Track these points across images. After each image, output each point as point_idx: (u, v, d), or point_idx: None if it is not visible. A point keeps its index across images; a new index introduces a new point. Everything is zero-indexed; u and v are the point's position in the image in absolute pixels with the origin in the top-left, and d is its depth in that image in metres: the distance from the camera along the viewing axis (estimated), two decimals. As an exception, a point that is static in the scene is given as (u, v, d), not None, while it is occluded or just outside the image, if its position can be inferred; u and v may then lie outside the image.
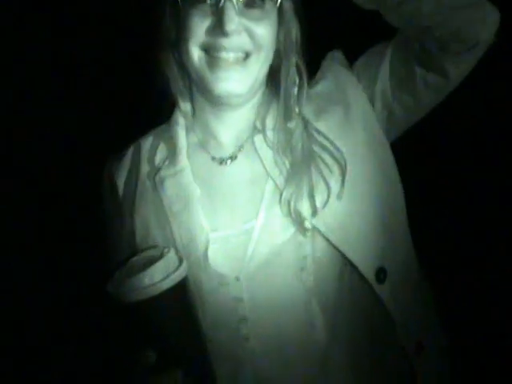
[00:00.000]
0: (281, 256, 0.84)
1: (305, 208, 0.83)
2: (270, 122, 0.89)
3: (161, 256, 0.77)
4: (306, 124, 0.88)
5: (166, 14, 0.87)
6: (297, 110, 0.87)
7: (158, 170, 0.90)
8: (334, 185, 0.85)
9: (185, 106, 0.92)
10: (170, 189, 0.88)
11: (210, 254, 0.84)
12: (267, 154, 0.87)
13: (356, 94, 0.90)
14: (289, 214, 0.83)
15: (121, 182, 0.94)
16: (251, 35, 0.79)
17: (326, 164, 0.85)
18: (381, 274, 0.86)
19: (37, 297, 1.76)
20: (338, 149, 0.86)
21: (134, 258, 0.81)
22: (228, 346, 0.85)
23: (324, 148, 0.86)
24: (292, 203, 0.83)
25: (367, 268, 0.85)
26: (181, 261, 0.78)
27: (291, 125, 0.87)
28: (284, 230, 0.84)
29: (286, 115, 0.87)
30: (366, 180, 0.88)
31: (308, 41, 0.88)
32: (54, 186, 1.74)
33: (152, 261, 0.76)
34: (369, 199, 0.87)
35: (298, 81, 0.87)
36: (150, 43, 0.90)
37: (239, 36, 0.79)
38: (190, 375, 0.75)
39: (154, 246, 0.83)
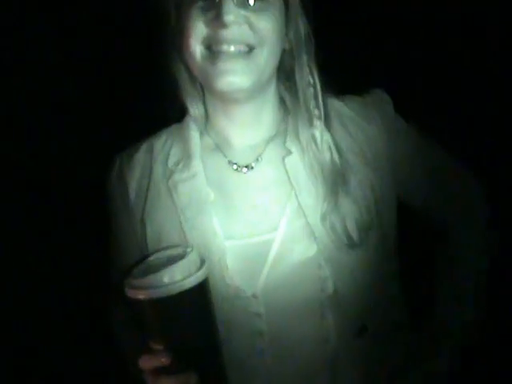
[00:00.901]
0: (301, 276, 0.84)
1: (350, 225, 0.82)
2: (292, 129, 0.88)
3: (183, 255, 0.76)
4: (333, 137, 0.86)
5: (170, 15, 0.86)
6: (316, 112, 0.85)
7: (172, 173, 0.89)
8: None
9: (194, 111, 0.91)
10: (183, 193, 0.87)
11: (226, 262, 0.83)
12: (294, 170, 0.85)
13: (383, 149, 0.90)
14: (333, 229, 0.82)
15: (133, 183, 0.91)
16: (252, 27, 0.78)
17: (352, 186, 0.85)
18: None
19: (38, 297, 1.76)
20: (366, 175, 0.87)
21: (153, 257, 0.80)
22: (240, 357, 0.85)
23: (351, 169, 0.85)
24: (336, 220, 0.82)
25: None
26: (203, 262, 0.77)
27: (316, 131, 0.85)
28: (306, 247, 0.83)
29: (309, 119, 0.85)
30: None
31: (319, 40, 0.87)
32: (54, 185, 1.74)
33: (172, 260, 0.75)
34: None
35: (311, 81, 0.86)
36: (158, 46, 0.89)
37: (239, 28, 0.77)
38: (205, 379, 0.73)
39: (175, 246, 0.82)
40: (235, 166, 0.88)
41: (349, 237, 0.82)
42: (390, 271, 0.92)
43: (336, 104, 0.90)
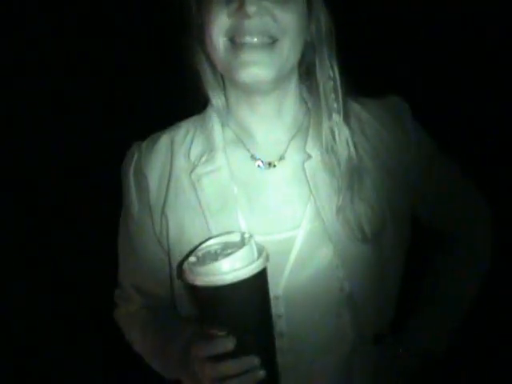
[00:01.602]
0: (321, 275, 0.83)
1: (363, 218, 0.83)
2: (313, 127, 0.87)
3: (242, 243, 0.75)
4: (351, 133, 0.85)
5: (191, 7, 0.85)
6: (335, 106, 0.85)
7: (195, 166, 0.87)
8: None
9: (217, 101, 0.89)
10: (207, 187, 0.85)
11: None
12: (313, 174, 0.85)
13: (402, 156, 0.89)
14: (348, 223, 0.82)
15: (153, 175, 0.89)
16: (275, 19, 0.77)
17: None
18: None
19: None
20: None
21: (209, 243, 0.79)
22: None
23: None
24: (351, 213, 0.82)
25: None
26: (261, 250, 0.76)
27: (334, 125, 0.84)
28: (325, 247, 0.83)
29: (328, 113, 0.85)
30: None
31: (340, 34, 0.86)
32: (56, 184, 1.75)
33: (229, 246, 0.75)
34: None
35: (331, 74, 0.85)
36: (180, 38, 0.88)
37: (262, 19, 0.76)
38: (263, 362, 0.74)
39: (231, 232, 0.80)
40: (258, 162, 0.87)
41: (362, 231, 0.83)
42: (400, 275, 0.92)
43: (355, 107, 0.90)
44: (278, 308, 0.82)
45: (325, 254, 0.83)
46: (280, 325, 0.83)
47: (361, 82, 0.86)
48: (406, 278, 0.90)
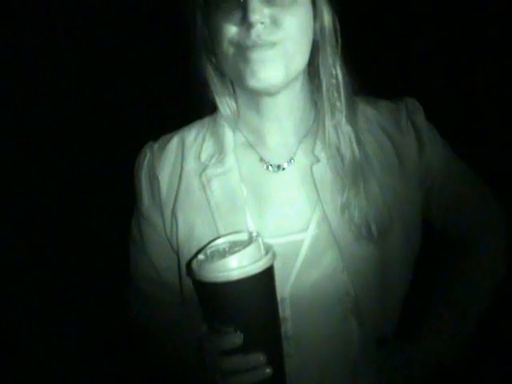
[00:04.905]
0: (328, 279, 0.83)
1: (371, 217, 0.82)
2: (321, 130, 0.87)
3: (249, 241, 0.76)
4: (357, 135, 0.85)
5: (196, 17, 0.86)
6: (338, 104, 0.85)
7: (205, 167, 0.88)
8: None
9: (226, 110, 0.90)
10: (217, 189, 0.86)
11: None
12: (321, 178, 0.85)
13: (414, 156, 0.89)
14: (352, 219, 0.82)
15: (164, 175, 0.90)
16: (279, 25, 0.77)
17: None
18: None
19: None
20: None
21: (216, 242, 0.80)
22: None
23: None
24: (355, 210, 0.82)
25: None
26: (269, 248, 0.77)
27: (337, 123, 0.85)
28: (332, 250, 0.83)
29: (331, 111, 0.85)
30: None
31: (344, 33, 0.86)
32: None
33: (236, 245, 0.77)
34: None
35: (334, 72, 0.85)
36: (187, 47, 0.89)
37: (266, 26, 0.76)
38: (270, 358, 0.75)
39: (238, 232, 0.81)
40: (267, 165, 0.87)
41: (368, 230, 0.83)
42: (407, 279, 0.91)
43: (364, 106, 0.90)
44: (283, 311, 0.82)
45: (331, 258, 0.83)
46: (285, 327, 0.83)
47: (371, 82, 0.86)
48: (414, 283, 0.89)
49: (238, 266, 0.72)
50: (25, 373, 1.73)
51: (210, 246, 0.79)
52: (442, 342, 0.90)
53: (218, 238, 0.81)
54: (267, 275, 0.75)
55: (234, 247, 0.76)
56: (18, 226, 1.75)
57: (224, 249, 0.77)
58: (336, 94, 0.85)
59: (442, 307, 0.93)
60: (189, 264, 0.81)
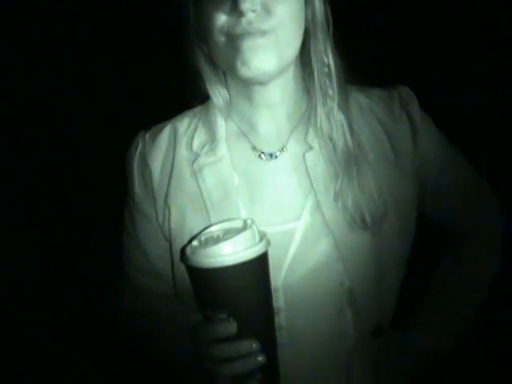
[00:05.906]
0: (321, 269, 0.83)
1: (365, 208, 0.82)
2: (314, 118, 0.86)
3: (243, 228, 0.77)
4: (349, 123, 0.85)
5: (188, 5, 0.86)
6: (330, 92, 0.85)
7: (197, 156, 0.88)
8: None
9: (218, 99, 0.90)
10: (209, 177, 0.86)
11: None
12: (314, 166, 0.85)
13: (408, 147, 0.89)
14: (345, 208, 0.82)
15: (156, 165, 0.90)
16: (270, 13, 0.77)
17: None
18: None
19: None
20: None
21: (211, 229, 0.80)
22: None
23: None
24: (349, 201, 0.82)
25: None
26: (263, 235, 0.77)
27: (329, 111, 0.84)
28: (325, 240, 0.83)
29: (323, 99, 0.85)
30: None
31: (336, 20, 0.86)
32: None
33: (230, 231, 0.77)
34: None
35: (326, 60, 0.85)
36: (178, 37, 0.89)
37: (258, 14, 0.76)
38: (263, 346, 0.74)
39: (232, 219, 0.82)
40: (260, 153, 0.88)
41: (362, 218, 0.82)
42: (402, 270, 0.90)
43: (357, 95, 0.90)
44: (277, 301, 0.82)
45: (325, 247, 0.83)
46: (279, 318, 0.82)
47: (365, 70, 0.85)
48: (409, 273, 0.89)
49: (232, 252, 0.72)
50: (25, 373, 1.73)
51: (204, 232, 0.79)
52: (437, 332, 0.90)
53: (213, 224, 0.81)
54: (261, 262, 0.75)
55: (228, 234, 0.76)
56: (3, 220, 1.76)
57: (218, 235, 0.77)
58: (328, 82, 0.85)
59: (438, 297, 0.93)
60: (183, 250, 0.81)
